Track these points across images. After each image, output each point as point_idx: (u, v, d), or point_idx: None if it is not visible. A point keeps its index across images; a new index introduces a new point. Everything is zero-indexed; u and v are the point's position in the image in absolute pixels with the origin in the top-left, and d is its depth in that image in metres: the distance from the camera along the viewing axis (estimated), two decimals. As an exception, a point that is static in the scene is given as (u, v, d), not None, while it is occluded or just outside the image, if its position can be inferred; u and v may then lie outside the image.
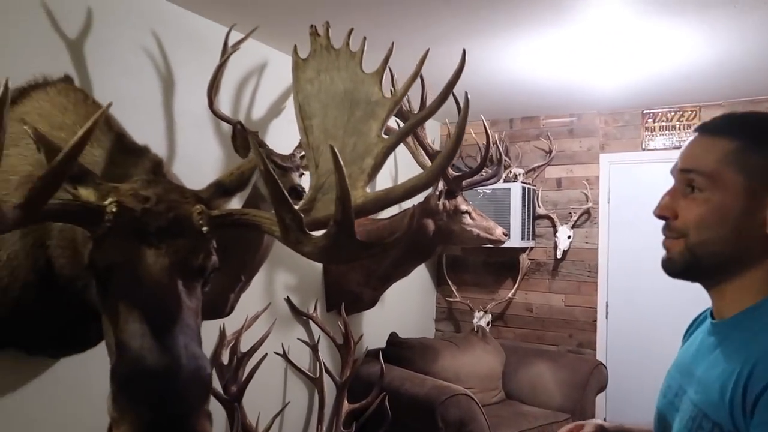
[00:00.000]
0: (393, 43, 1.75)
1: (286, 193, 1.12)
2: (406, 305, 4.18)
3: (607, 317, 4.15)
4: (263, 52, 2.79)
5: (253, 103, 2.72)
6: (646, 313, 4.03)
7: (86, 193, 1.26)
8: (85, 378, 1.96)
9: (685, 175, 0.99)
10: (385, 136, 1.61)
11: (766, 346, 0.86)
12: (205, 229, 1.26)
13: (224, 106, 2.50)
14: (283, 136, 2.60)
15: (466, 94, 1.30)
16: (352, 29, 1.80)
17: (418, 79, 1.78)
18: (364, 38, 1.77)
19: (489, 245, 3.18)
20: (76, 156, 1.02)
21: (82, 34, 1.97)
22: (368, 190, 1.51)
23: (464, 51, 1.55)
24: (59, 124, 1.70)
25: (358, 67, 1.75)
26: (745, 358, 0.86)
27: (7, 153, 1.66)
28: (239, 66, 2.59)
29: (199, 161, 2.42)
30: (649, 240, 4.04)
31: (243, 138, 2.09)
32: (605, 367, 3.81)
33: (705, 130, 1.01)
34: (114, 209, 1.19)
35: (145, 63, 2.20)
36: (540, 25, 2.64)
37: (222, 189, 1.45)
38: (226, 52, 2.20)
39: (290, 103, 2.94)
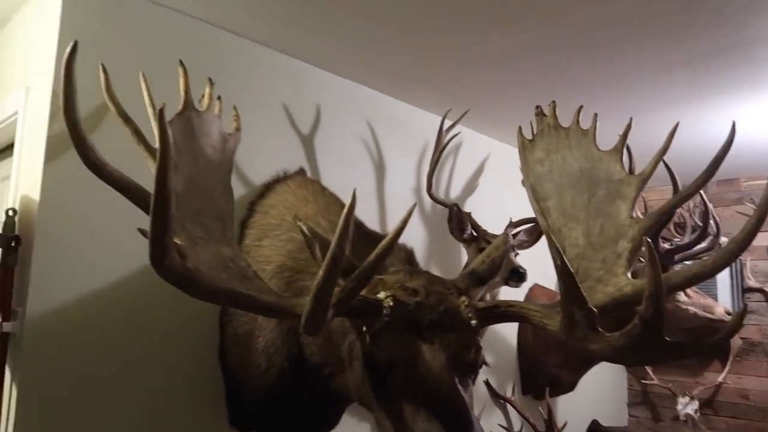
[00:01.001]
0: (631, 119, 1.67)
1: (581, 289, 1.06)
2: (594, 387, 3.85)
3: None
4: (459, 133, 2.84)
5: (451, 181, 2.75)
6: None
7: (356, 287, 1.28)
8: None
9: None
10: (637, 216, 1.51)
11: None
12: (474, 322, 1.23)
13: (423, 184, 2.54)
14: (480, 214, 2.57)
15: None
16: (581, 107, 1.74)
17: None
18: (595, 115, 1.70)
19: (707, 326, 2.84)
20: (386, 257, 1.03)
21: (312, 128, 2.13)
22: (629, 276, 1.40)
23: (734, 123, 1.43)
24: (303, 215, 1.79)
25: (593, 144, 1.68)
26: None
27: (259, 244, 1.80)
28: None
29: (408, 239, 2.46)
30: None
31: (458, 219, 2.08)
32: None
33: None
34: (391, 303, 1.19)
35: (360, 150, 2.32)
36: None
37: (476, 278, 1.41)
38: (442, 137, 2.25)
39: (484, 181, 2.94)
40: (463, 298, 1.26)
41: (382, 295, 1.22)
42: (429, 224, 2.56)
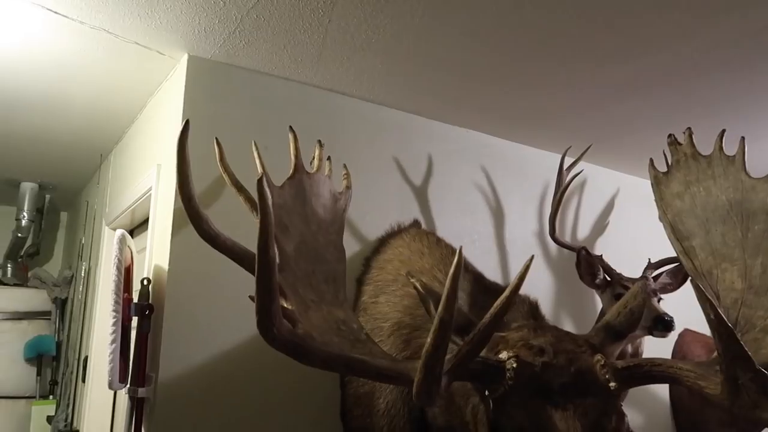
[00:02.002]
0: (788, 138, 1.44)
1: (744, 346, 0.88)
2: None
3: None
4: (581, 170, 2.67)
5: (577, 222, 2.56)
6: None
7: (475, 346, 1.19)
8: None
9: None
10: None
11: None
12: (612, 384, 1.07)
13: (546, 227, 2.39)
14: (613, 256, 2.35)
15: None
16: (723, 130, 1.55)
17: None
18: (743, 138, 1.50)
19: None
20: (503, 316, 0.94)
21: (424, 179, 2.09)
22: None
23: None
24: (419, 268, 1.74)
25: (742, 172, 1.47)
26: None
27: (376, 300, 1.77)
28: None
29: (532, 289, 2.31)
30: None
31: (588, 264, 1.92)
32: None
33: None
34: (514, 365, 1.08)
35: (476, 197, 2.24)
36: None
37: (612, 332, 1.25)
38: (563, 176, 2.12)
39: (614, 219, 2.72)
40: (598, 356, 1.11)
41: (504, 355, 1.11)
42: (555, 271, 2.39)
